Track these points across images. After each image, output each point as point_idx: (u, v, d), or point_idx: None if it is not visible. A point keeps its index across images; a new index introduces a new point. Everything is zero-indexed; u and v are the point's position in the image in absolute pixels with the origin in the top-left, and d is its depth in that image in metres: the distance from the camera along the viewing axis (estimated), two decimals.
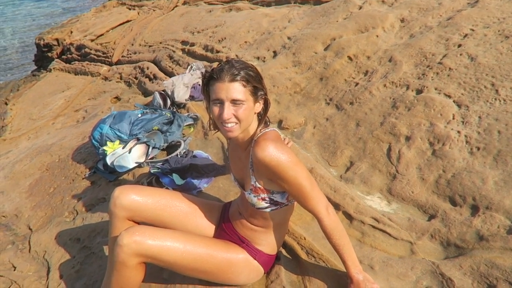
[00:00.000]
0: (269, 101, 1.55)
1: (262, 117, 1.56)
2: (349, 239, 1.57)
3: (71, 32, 8.38)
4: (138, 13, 7.78)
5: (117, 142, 2.87)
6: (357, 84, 2.98)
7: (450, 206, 1.97)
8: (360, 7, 3.88)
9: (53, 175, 3.47)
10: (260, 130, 1.54)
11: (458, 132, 2.24)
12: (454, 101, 2.44)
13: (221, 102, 1.43)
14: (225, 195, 2.48)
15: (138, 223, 1.82)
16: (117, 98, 4.73)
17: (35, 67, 9.43)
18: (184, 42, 5.22)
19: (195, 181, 2.57)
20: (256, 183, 1.55)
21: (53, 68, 7.17)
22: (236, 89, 1.42)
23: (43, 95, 6.09)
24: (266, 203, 1.59)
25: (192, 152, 2.83)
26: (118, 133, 2.93)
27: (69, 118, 4.82)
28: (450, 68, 2.65)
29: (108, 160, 2.72)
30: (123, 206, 1.74)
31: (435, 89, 2.56)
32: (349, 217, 2.09)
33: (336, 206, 2.15)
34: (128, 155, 2.73)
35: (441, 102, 2.44)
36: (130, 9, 8.30)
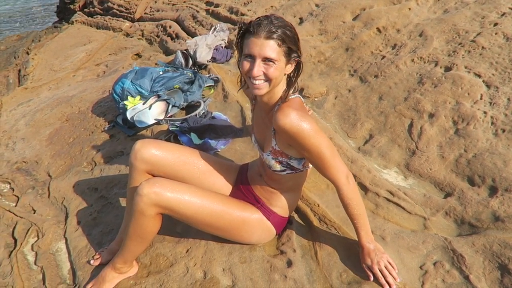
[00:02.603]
0: (302, 64, 1.53)
1: (292, 81, 1.54)
2: (365, 209, 1.59)
3: None
4: None
5: (138, 97, 2.90)
6: (383, 57, 2.93)
7: (468, 185, 1.96)
8: None
9: (73, 126, 3.54)
10: (286, 94, 1.53)
11: (485, 112, 2.21)
12: (483, 81, 2.38)
13: (252, 58, 1.42)
14: (242, 157, 2.51)
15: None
16: (138, 55, 4.74)
17: (57, 19, 9.44)
18: (208, 3, 5.15)
19: (213, 142, 2.59)
20: (276, 146, 1.57)
21: (75, 21, 7.18)
22: (271, 47, 1.39)
23: (65, 47, 6.13)
24: (283, 166, 1.61)
25: (211, 113, 2.85)
26: (139, 89, 2.95)
27: (90, 72, 4.86)
28: (483, 47, 2.58)
29: (128, 115, 2.76)
30: (143, 159, 1.77)
31: (465, 67, 2.51)
32: (364, 188, 2.11)
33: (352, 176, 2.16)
34: (148, 111, 2.76)
35: (470, 81, 2.39)
36: None
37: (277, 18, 1.43)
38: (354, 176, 2.17)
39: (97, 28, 6.53)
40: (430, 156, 2.16)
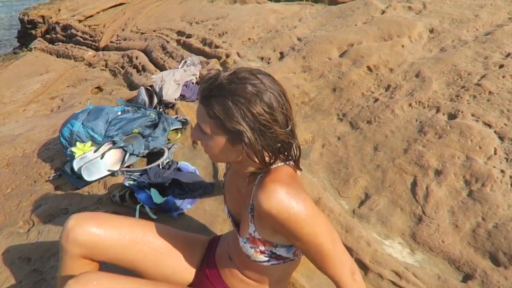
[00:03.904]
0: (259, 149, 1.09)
1: (264, 164, 1.13)
2: None
3: (59, 10, 8.00)
4: None
5: (89, 143, 2.50)
6: (376, 99, 2.65)
7: (492, 265, 1.64)
8: (383, 12, 3.55)
9: (14, 173, 3.08)
10: (266, 166, 1.14)
11: (502, 171, 1.91)
12: (495, 132, 2.11)
13: None
14: (212, 221, 2.13)
15: (97, 262, 1.45)
16: (99, 89, 4.35)
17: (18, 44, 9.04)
18: (180, 33, 4.85)
19: (177, 201, 2.21)
20: (256, 233, 1.19)
21: (34, 48, 6.77)
22: (200, 114, 1.12)
23: (19, 77, 5.68)
24: (266, 256, 1.23)
25: (177, 163, 2.47)
26: (91, 133, 2.56)
27: (42, 106, 4.43)
28: (490, 92, 2.33)
29: (75, 165, 2.34)
30: (78, 241, 1.37)
31: (472, 115, 2.24)
32: (363, 267, 1.75)
33: (348, 251, 1.80)
34: (99, 161, 2.36)
35: (480, 131, 2.11)
36: None
37: (233, 81, 1.05)
38: (350, 250, 1.82)
39: (57, 57, 6.12)
40: (441, 225, 1.83)
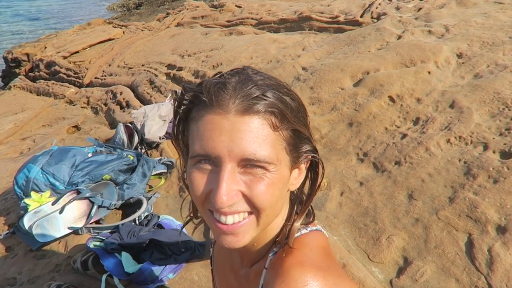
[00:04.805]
0: (321, 164, 0.75)
1: (305, 201, 0.76)
2: None
3: (45, 47, 7.75)
4: (124, 32, 7.14)
5: (47, 193, 2.03)
6: (404, 135, 2.22)
7: None
8: (399, 37, 3.19)
9: None
10: (291, 232, 0.72)
11: None
12: None
13: (214, 163, 0.64)
14: None
15: None
16: (76, 127, 3.93)
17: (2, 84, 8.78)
18: (170, 66, 4.50)
19: (156, 268, 1.72)
20: None
21: (14, 86, 6.42)
22: (255, 133, 0.62)
23: None
24: None
25: (158, 218, 2.00)
26: (51, 180, 2.10)
27: (11, 148, 3.98)
28: None
29: (26, 222, 1.87)
30: None
31: None
32: None
33: None
34: (57, 216, 1.89)
35: None
36: (116, 27, 7.68)
37: (258, 72, 0.69)
38: None
39: (38, 95, 5.74)
40: None
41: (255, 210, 0.65)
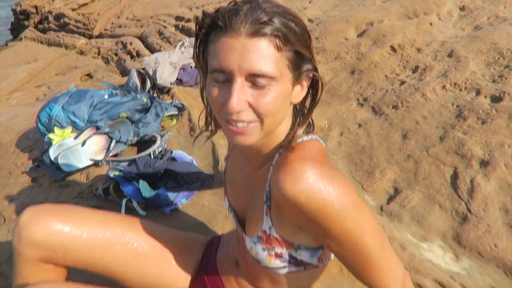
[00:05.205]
0: (321, 81, 0.88)
1: (306, 113, 0.90)
2: None
3: (53, 0, 7.75)
4: None
5: (69, 129, 2.20)
6: (403, 82, 2.35)
7: None
8: None
9: None
10: (294, 136, 0.87)
11: None
12: None
13: (227, 77, 0.77)
14: (211, 218, 1.83)
15: (64, 267, 1.15)
16: (89, 76, 4.06)
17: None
18: (178, 18, 4.57)
19: (170, 194, 1.90)
20: (272, 229, 0.89)
21: (25, 37, 6.49)
22: (262, 52, 0.74)
23: (5, 66, 5.41)
24: (283, 261, 0.93)
25: (171, 152, 2.17)
26: (72, 118, 2.26)
27: (27, 94, 4.14)
28: None
29: (52, 153, 2.05)
30: (34, 241, 1.06)
31: None
32: None
33: None
34: (80, 149, 2.07)
35: None
36: None
37: (268, 1, 0.79)
38: None
39: (48, 45, 5.84)
40: (492, 225, 1.53)
41: (259, 117, 0.79)
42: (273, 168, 0.88)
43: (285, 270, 0.95)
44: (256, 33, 0.73)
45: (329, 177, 0.77)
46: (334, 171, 0.81)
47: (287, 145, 0.88)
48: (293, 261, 0.93)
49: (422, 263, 1.46)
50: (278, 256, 0.91)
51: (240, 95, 0.75)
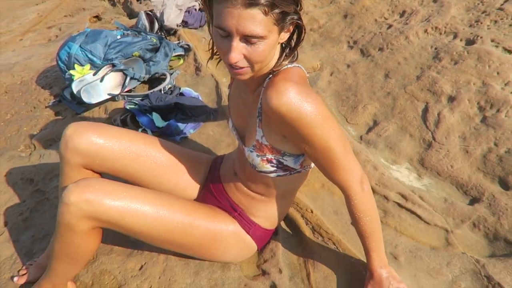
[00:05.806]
0: (303, 28, 1.10)
1: (292, 48, 1.13)
2: (380, 225, 1.23)
3: None
4: None
5: (88, 66, 2.44)
6: (390, 26, 2.55)
7: (501, 189, 1.63)
8: None
9: (13, 99, 3.06)
10: (280, 65, 1.12)
11: None
12: None
13: (227, 34, 0.99)
14: (215, 145, 2.12)
15: (99, 173, 1.45)
16: (98, 18, 4.22)
17: None
18: None
19: (180, 125, 2.19)
20: (263, 138, 1.17)
21: None
22: (253, 20, 0.95)
23: (14, 7, 5.52)
24: (273, 166, 1.22)
25: (179, 89, 2.42)
26: (89, 56, 2.49)
27: (39, 35, 4.32)
28: None
29: (74, 88, 2.30)
30: (78, 150, 1.35)
31: (492, 40, 2.15)
32: None
33: None
34: (99, 84, 2.32)
35: (499, 57, 2.03)
36: None
37: None
38: None
39: None
40: (451, 150, 1.81)
41: (251, 64, 1.04)
42: (264, 90, 1.14)
43: (275, 174, 1.25)
44: (250, 4, 0.93)
45: (305, 94, 1.04)
46: (310, 90, 1.08)
47: (275, 71, 1.13)
48: (281, 166, 1.22)
49: (389, 180, 1.76)
50: (269, 161, 1.20)
51: (237, 51, 0.99)
